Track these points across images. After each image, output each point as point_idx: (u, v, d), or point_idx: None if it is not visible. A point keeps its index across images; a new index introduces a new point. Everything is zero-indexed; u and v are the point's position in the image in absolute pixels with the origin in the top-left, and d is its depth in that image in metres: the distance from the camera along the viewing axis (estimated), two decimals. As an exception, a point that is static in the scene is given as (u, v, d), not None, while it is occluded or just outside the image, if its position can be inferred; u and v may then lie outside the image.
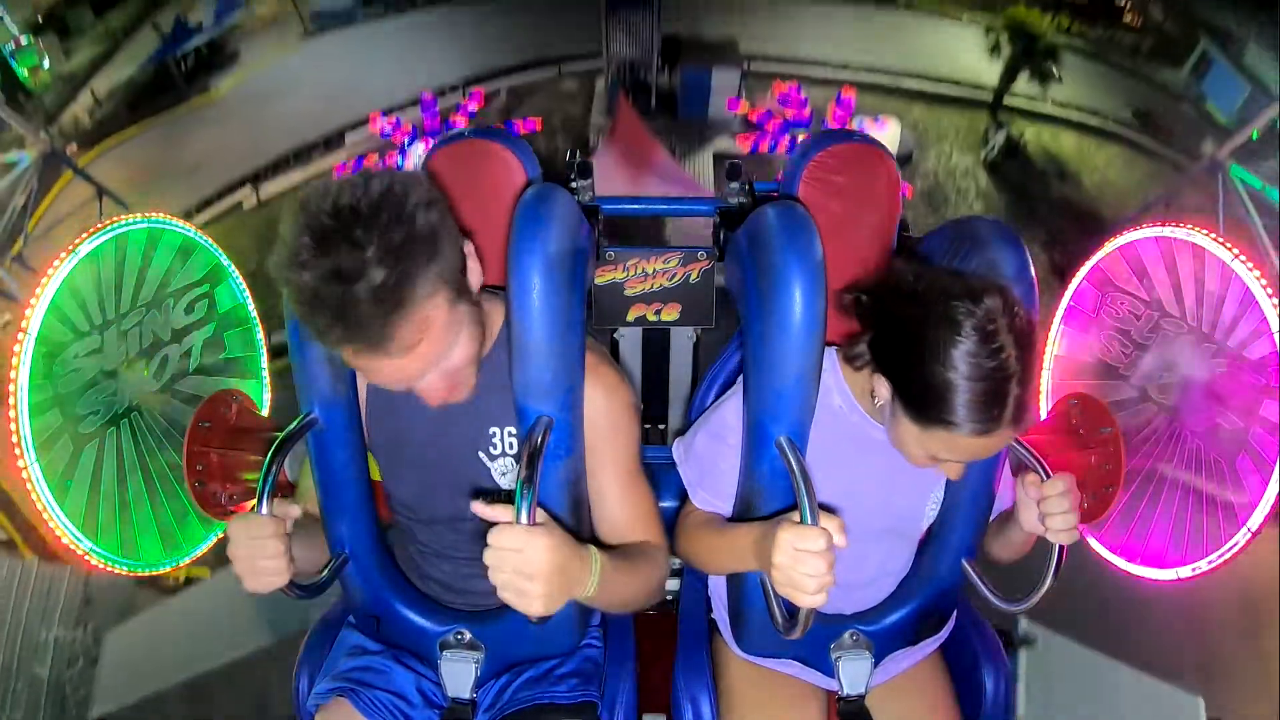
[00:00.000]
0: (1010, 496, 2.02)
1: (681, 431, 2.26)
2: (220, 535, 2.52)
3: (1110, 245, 2.65)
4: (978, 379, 1.52)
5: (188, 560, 2.58)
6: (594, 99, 23.27)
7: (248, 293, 2.77)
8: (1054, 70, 23.63)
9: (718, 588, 2.25)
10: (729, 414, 1.99)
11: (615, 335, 2.84)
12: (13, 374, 2.22)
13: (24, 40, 26.06)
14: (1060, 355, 2.76)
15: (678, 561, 2.19)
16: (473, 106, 14.39)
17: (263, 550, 1.64)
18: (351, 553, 1.99)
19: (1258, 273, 2.30)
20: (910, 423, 1.66)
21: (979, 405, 1.53)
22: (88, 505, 2.35)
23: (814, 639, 2.06)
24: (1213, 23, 25.36)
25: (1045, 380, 2.78)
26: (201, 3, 28.52)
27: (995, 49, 23.11)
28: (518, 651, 2.10)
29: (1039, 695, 8.35)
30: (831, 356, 1.92)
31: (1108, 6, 29.04)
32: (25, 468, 2.23)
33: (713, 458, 2.03)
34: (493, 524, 1.48)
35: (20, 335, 2.23)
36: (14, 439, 2.22)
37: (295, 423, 1.85)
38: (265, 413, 2.65)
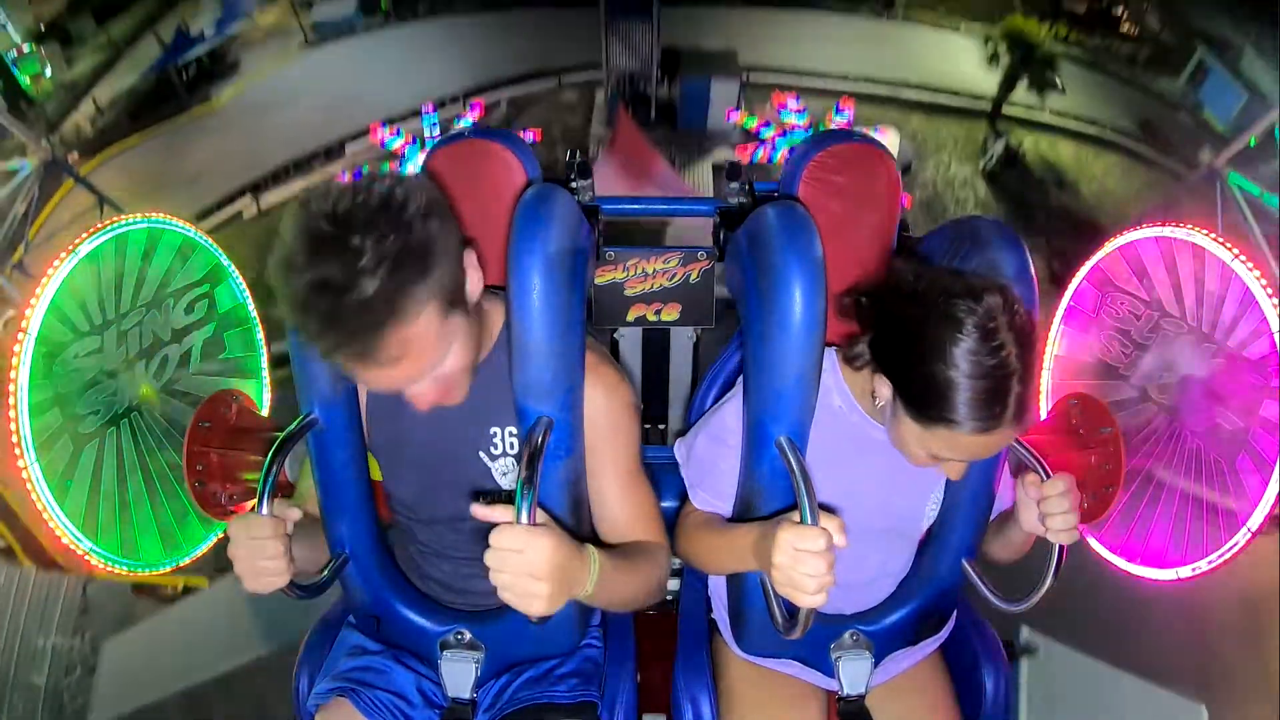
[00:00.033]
0: (1010, 497, 2.02)
1: (682, 432, 2.26)
2: (220, 535, 2.51)
3: (1110, 245, 2.65)
4: (979, 376, 1.52)
5: (188, 560, 2.57)
6: (594, 110, 23.36)
7: (248, 293, 2.77)
8: (1056, 81, 23.71)
9: (718, 588, 2.25)
10: (729, 415, 1.99)
11: (615, 335, 2.84)
12: (13, 374, 2.22)
13: (26, 48, 26.08)
14: (1060, 355, 2.75)
15: (678, 561, 2.19)
16: (473, 117, 14.43)
17: (263, 551, 1.64)
18: (351, 553, 1.99)
19: (1258, 273, 2.30)
20: (912, 422, 1.67)
21: (980, 403, 1.53)
22: (88, 505, 2.35)
23: (814, 639, 2.06)
24: (1209, 31, 25.44)
25: (1045, 380, 2.78)
26: (203, 12, 28.56)
27: (993, 58, 23.13)
28: (518, 651, 2.10)
29: (1041, 704, 8.35)
30: (831, 357, 1.92)
31: (1105, 16, 29.14)
32: (25, 468, 2.23)
33: (713, 458, 2.03)
34: (493, 525, 1.48)
35: (20, 335, 2.23)
36: (14, 439, 2.22)
37: (295, 423, 1.85)
38: (265, 413, 2.64)
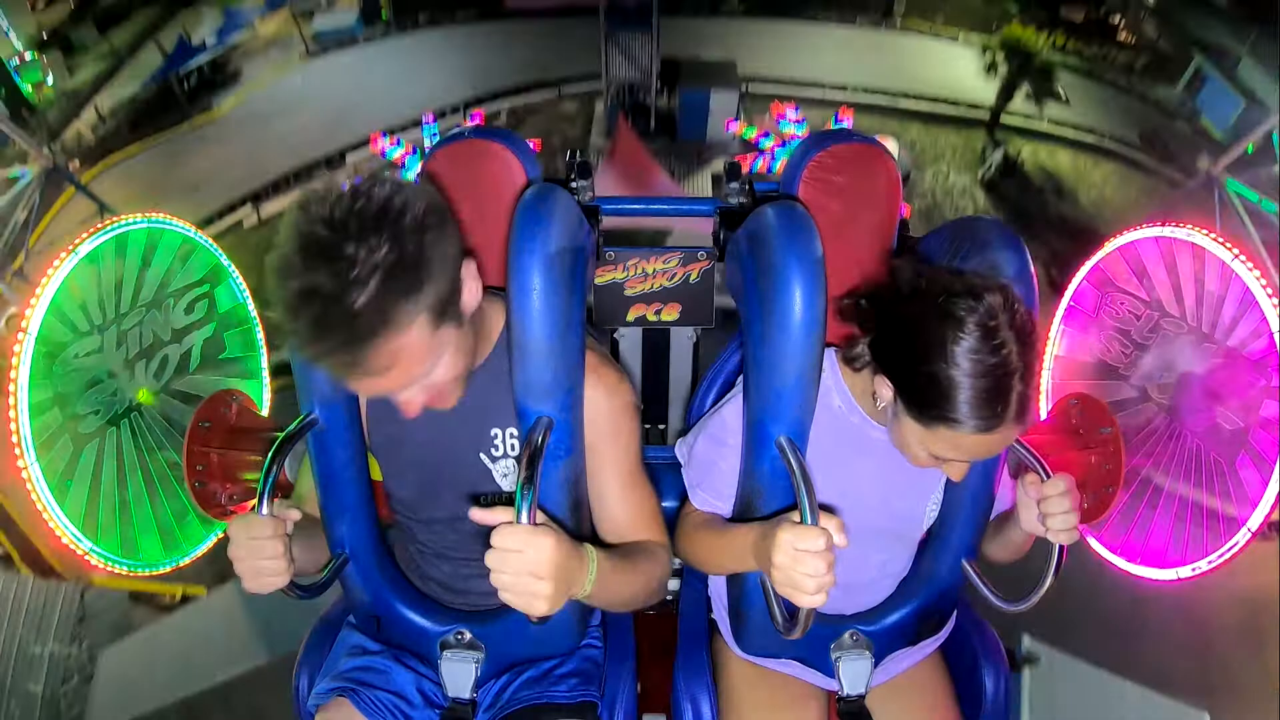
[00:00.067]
0: (1009, 498, 2.03)
1: (682, 432, 2.27)
2: (220, 535, 2.51)
3: (1110, 245, 2.65)
4: (980, 375, 1.52)
5: (188, 560, 2.57)
6: (593, 120, 23.39)
7: (248, 292, 2.77)
8: (1059, 91, 23.77)
9: (718, 588, 2.25)
10: (729, 415, 1.99)
11: (615, 335, 2.84)
12: (13, 374, 2.22)
13: (28, 56, 26.14)
14: (1060, 355, 2.75)
15: (678, 561, 2.19)
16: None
17: (263, 551, 1.64)
18: (351, 553, 1.99)
19: (1258, 273, 2.30)
20: (913, 422, 1.67)
21: (982, 402, 1.54)
22: (88, 505, 2.35)
23: (814, 639, 2.06)
24: (1206, 39, 25.53)
25: (1045, 380, 2.78)
26: (204, 22, 28.63)
27: (991, 68, 23.16)
28: (518, 651, 2.10)
29: (1043, 713, 8.33)
30: (831, 357, 1.93)
31: (1102, 25, 29.22)
32: (25, 468, 2.23)
33: (713, 458, 2.03)
34: (493, 527, 1.48)
35: (20, 335, 2.23)
36: (14, 439, 2.22)
37: (295, 423, 1.85)
38: (265, 413, 2.64)
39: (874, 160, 2.14)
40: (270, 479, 1.68)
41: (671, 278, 2.63)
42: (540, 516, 1.53)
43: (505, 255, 1.75)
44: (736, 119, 19.81)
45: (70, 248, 2.33)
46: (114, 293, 2.43)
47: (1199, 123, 25.61)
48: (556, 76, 25.75)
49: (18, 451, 2.22)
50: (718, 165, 21.11)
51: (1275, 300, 2.25)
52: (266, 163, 22.68)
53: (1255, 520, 2.32)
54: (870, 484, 1.98)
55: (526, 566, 1.47)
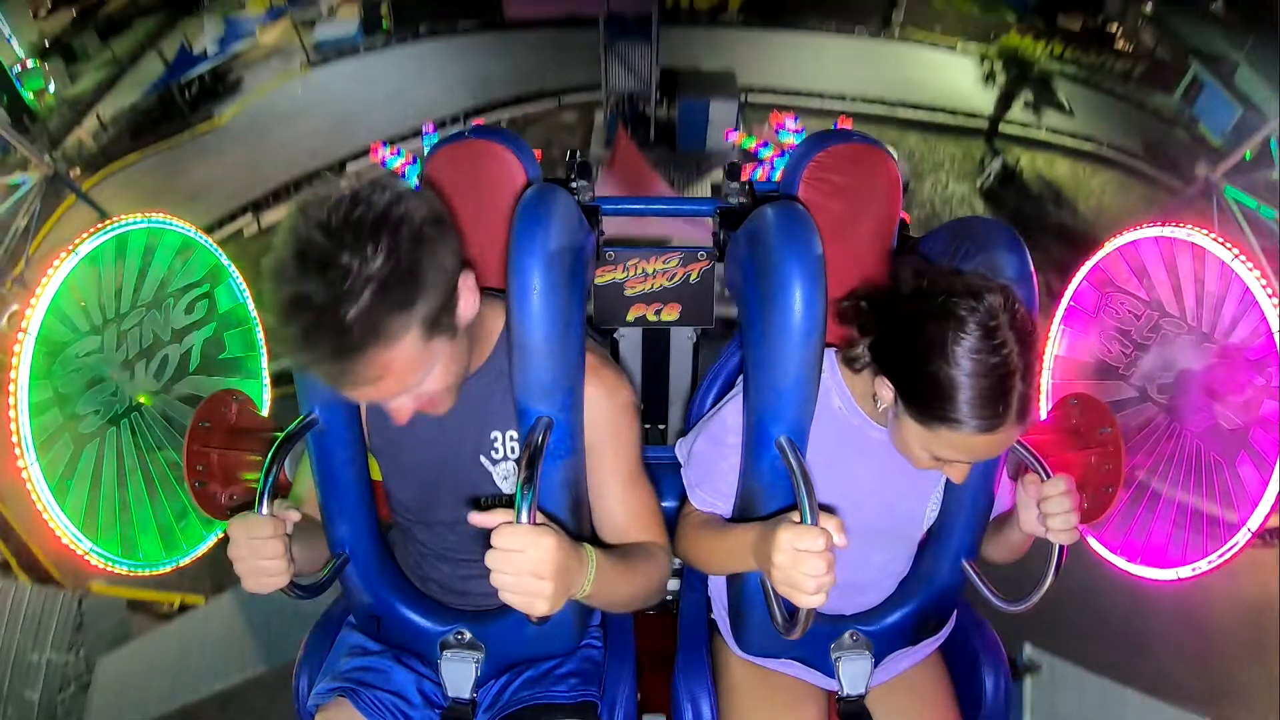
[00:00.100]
0: (1008, 499, 2.03)
1: (682, 432, 2.27)
2: (220, 535, 2.51)
3: (1110, 245, 2.65)
4: (981, 375, 1.52)
5: (188, 560, 2.56)
6: (593, 130, 23.49)
7: (248, 292, 2.77)
8: (1064, 101, 23.86)
9: (718, 588, 2.25)
10: (729, 415, 1.99)
11: (615, 335, 2.84)
12: (13, 374, 2.22)
13: (30, 63, 26.23)
14: (1060, 355, 2.75)
15: (678, 561, 2.19)
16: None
17: (263, 551, 1.64)
18: (351, 553, 1.99)
19: (1258, 273, 2.30)
20: (914, 423, 1.67)
21: (983, 402, 1.54)
22: (88, 505, 2.34)
23: (814, 639, 2.07)
24: (1203, 47, 25.63)
25: (1045, 380, 2.78)
26: (206, 31, 28.72)
27: (989, 77, 23.24)
28: (518, 651, 2.10)
29: (1045, 722, 8.31)
30: (831, 358, 1.92)
31: (1099, 33, 29.33)
32: (25, 468, 2.23)
33: (713, 458, 2.03)
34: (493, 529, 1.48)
35: (20, 335, 2.23)
36: (14, 439, 2.22)
37: (295, 423, 1.85)
38: (265, 413, 2.64)
39: (874, 160, 2.14)
40: (270, 479, 1.68)
41: (671, 278, 2.63)
42: (540, 516, 1.52)
43: (505, 255, 1.74)
44: (736, 129, 19.85)
45: (70, 248, 2.33)
46: (114, 293, 2.43)
47: (1197, 130, 25.70)
48: (556, 86, 25.83)
49: (18, 451, 2.22)
50: (717, 175, 21.21)
51: (1275, 300, 2.26)
52: (267, 171, 22.76)
53: (1255, 520, 2.32)
54: (870, 484, 1.97)
55: (527, 566, 1.46)
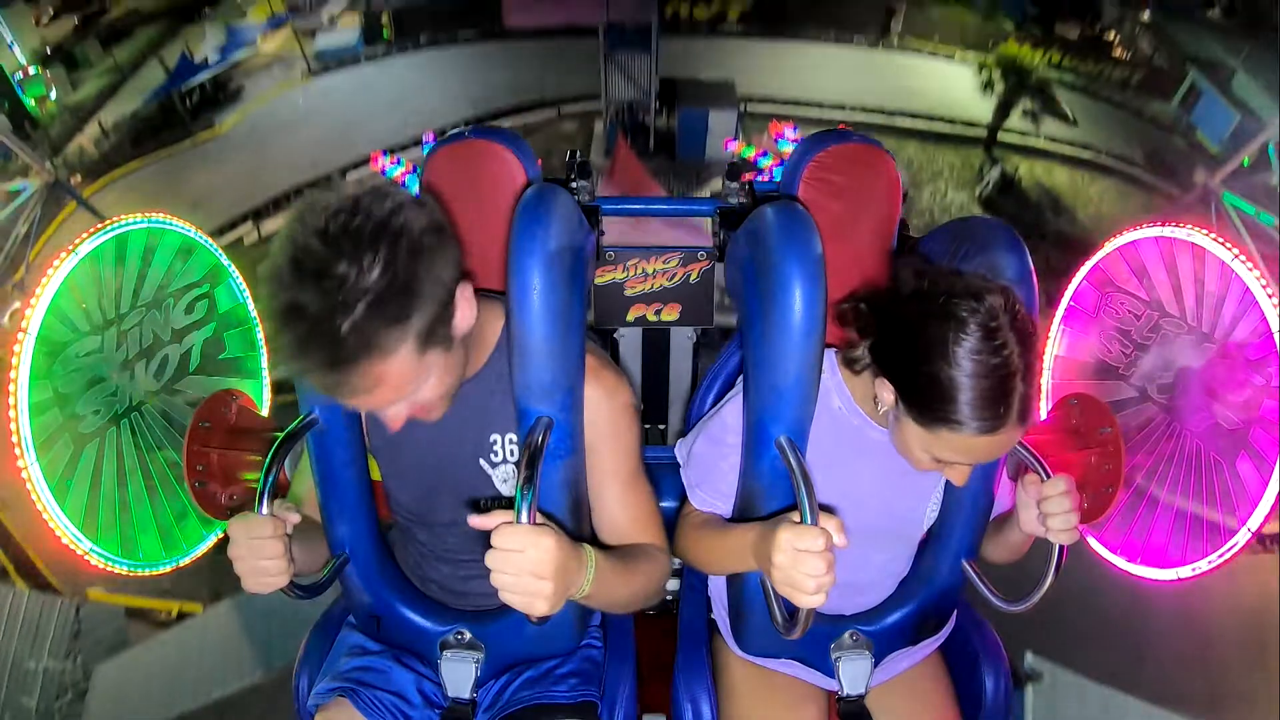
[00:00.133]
0: (1008, 500, 2.03)
1: (682, 432, 2.27)
2: (220, 535, 2.51)
3: (1110, 245, 2.65)
4: (982, 376, 1.52)
5: (187, 560, 2.56)
6: (593, 140, 23.53)
7: (248, 293, 2.77)
8: (1067, 111, 23.92)
9: (718, 588, 2.24)
10: (729, 415, 1.99)
11: (615, 335, 2.84)
12: (13, 374, 2.21)
13: (32, 70, 26.31)
14: (1060, 355, 2.75)
15: (678, 561, 2.19)
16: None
17: (263, 551, 1.64)
18: (351, 553, 1.99)
19: (1258, 273, 2.30)
20: (915, 425, 1.67)
21: (983, 403, 1.54)
22: (88, 505, 2.34)
23: (814, 639, 2.07)
24: (1201, 55, 25.71)
25: (1045, 380, 2.78)
26: (207, 39, 28.80)
27: (988, 86, 23.30)
28: (518, 651, 2.09)
29: (1048, 732, 8.29)
30: (831, 358, 1.92)
31: (1097, 42, 29.40)
32: (25, 468, 2.23)
33: (713, 458, 2.03)
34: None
35: (20, 335, 2.23)
36: (14, 439, 2.22)
37: (295, 423, 1.85)
38: (265, 413, 2.64)
39: (874, 160, 2.14)
40: (270, 479, 1.68)
41: (671, 278, 2.63)
42: (539, 517, 1.52)
43: (505, 255, 1.74)
44: (735, 138, 19.89)
45: (70, 248, 2.32)
46: (114, 293, 2.42)
47: (1195, 137, 25.77)
48: (556, 96, 25.89)
49: (18, 451, 2.22)
50: (716, 184, 21.35)
51: (1275, 300, 2.25)
52: (267, 180, 22.80)
53: (1255, 520, 2.32)
54: (870, 485, 1.97)
55: (527, 566, 1.46)
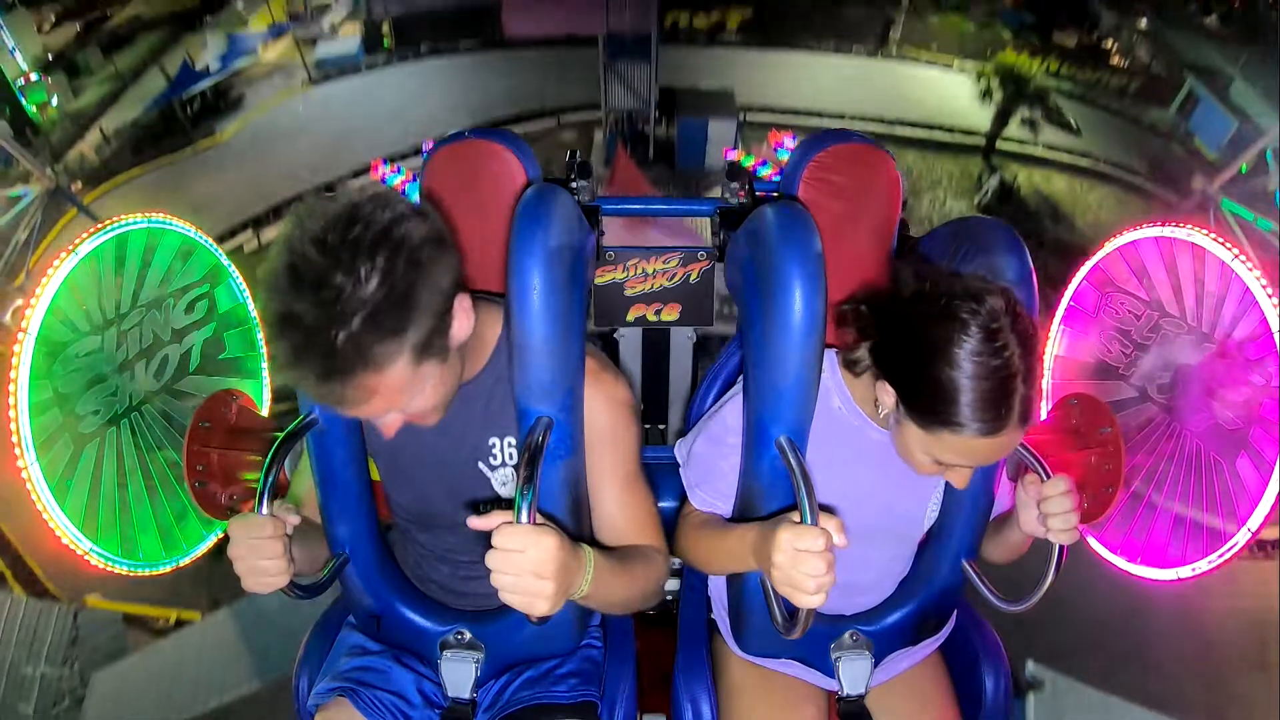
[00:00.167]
0: (1008, 500, 2.03)
1: (682, 432, 2.27)
2: (220, 535, 2.50)
3: (1110, 245, 2.65)
4: (983, 378, 1.52)
5: (187, 560, 2.56)
6: (592, 149, 23.56)
7: (248, 292, 2.77)
8: (1071, 121, 23.97)
9: (718, 588, 2.25)
10: (729, 415, 1.99)
11: (615, 335, 2.85)
12: (13, 374, 2.21)
13: (33, 77, 26.36)
14: (1060, 355, 2.75)
15: (678, 561, 2.18)
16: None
17: (262, 551, 1.64)
18: (351, 553, 1.98)
19: (1258, 273, 2.30)
20: (916, 428, 1.67)
21: (984, 405, 1.54)
22: (88, 505, 2.34)
23: (814, 639, 2.06)
24: (1198, 62, 25.79)
25: (1045, 380, 2.77)
26: (209, 47, 28.86)
27: (986, 94, 23.34)
28: (518, 651, 2.09)
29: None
30: (831, 359, 1.92)
31: (1095, 50, 29.49)
32: (25, 468, 2.23)
33: (713, 458, 2.03)
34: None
35: (20, 335, 2.23)
36: (14, 439, 2.22)
37: (295, 423, 1.85)
38: (265, 413, 2.63)
39: (874, 161, 2.15)
40: (270, 479, 1.68)
41: (671, 278, 2.63)
42: (539, 517, 1.52)
43: (505, 255, 1.74)
44: (734, 147, 19.93)
45: (70, 248, 2.33)
46: (114, 292, 2.42)
47: (1193, 144, 25.84)
48: (556, 105, 25.93)
49: (18, 452, 2.21)
50: (716, 193, 21.46)
51: (1275, 300, 2.25)
52: (268, 188, 22.83)
53: (1255, 520, 2.31)
54: (870, 485, 1.97)
55: (528, 566, 1.46)
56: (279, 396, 2.77)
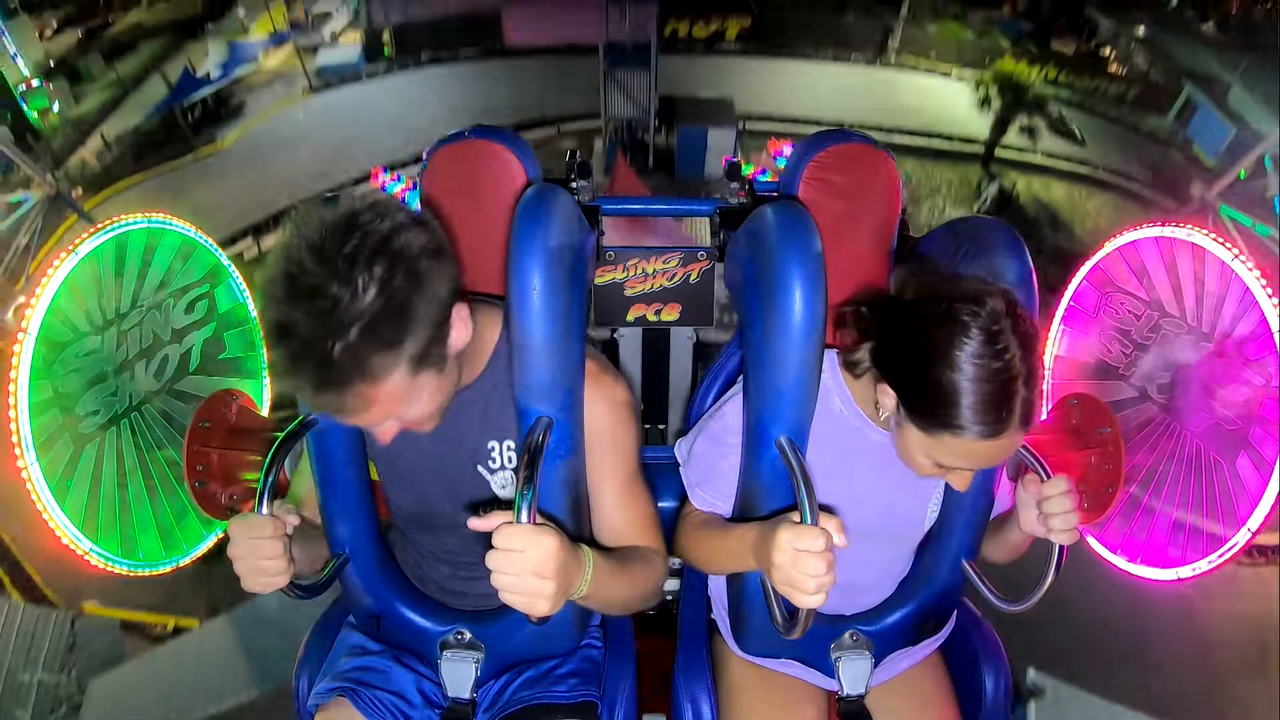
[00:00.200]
0: (1008, 499, 2.02)
1: (682, 432, 2.27)
2: (220, 535, 2.50)
3: (1110, 245, 2.65)
4: (984, 380, 1.52)
5: (187, 560, 2.55)
6: (592, 157, 23.55)
7: (248, 293, 2.77)
8: (1076, 131, 24.02)
9: (718, 588, 2.24)
10: (729, 414, 1.99)
11: (615, 335, 2.85)
12: (13, 374, 2.21)
13: (35, 83, 26.41)
14: (1060, 355, 2.75)
15: (678, 561, 2.19)
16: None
17: (262, 551, 1.63)
18: (351, 553, 1.98)
19: (1258, 273, 2.30)
20: (917, 431, 1.66)
21: (986, 407, 1.53)
22: (88, 505, 2.33)
23: (814, 639, 2.06)
24: (1196, 69, 25.84)
25: (1045, 380, 2.77)
26: (210, 55, 28.92)
27: (985, 102, 23.38)
28: (518, 651, 2.09)
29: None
30: (831, 359, 1.92)
31: (1093, 57, 29.54)
32: (25, 468, 2.22)
33: (713, 458, 2.02)
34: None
35: (20, 335, 2.23)
36: (14, 439, 2.21)
37: (295, 423, 1.84)
38: (265, 413, 2.63)
39: (874, 161, 2.15)
40: (270, 479, 1.68)
41: (671, 278, 2.63)
42: (539, 517, 1.52)
43: (505, 255, 1.74)
44: (734, 156, 20.02)
45: (70, 247, 2.33)
46: (114, 293, 2.42)
47: (1191, 151, 25.90)
48: (556, 114, 25.96)
49: (18, 452, 2.21)
50: (716, 197, 21.55)
51: (1275, 300, 2.26)
52: (268, 195, 22.86)
53: (1255, 520, 2.31)
54: (871, 486, 1.97)
55: (529, 566, 1.46)
56: (280, 404, 2.77)
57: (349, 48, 30.76)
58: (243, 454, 2.19)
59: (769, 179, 2.61)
